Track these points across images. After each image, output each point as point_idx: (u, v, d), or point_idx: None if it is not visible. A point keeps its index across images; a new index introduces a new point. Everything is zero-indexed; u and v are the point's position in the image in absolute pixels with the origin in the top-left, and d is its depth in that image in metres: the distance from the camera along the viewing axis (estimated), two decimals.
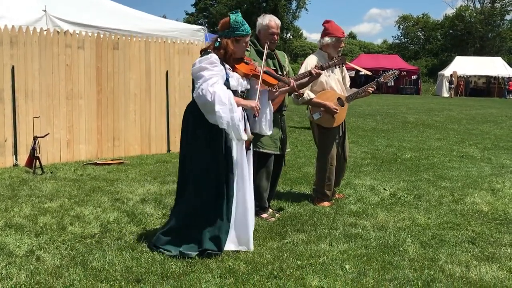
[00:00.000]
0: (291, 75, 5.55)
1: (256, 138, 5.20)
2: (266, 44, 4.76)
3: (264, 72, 4.39)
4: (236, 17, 4.18)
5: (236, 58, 4.28)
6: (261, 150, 5.22)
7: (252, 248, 4.30)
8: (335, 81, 5.94)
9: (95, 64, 8.69)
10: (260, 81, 4.27)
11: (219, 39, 4.17)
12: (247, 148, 4.35)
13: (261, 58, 5.24)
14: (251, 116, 4.35)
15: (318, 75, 5.31)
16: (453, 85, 41.53)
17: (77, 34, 8.52)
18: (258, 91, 4.25)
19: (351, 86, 6.33)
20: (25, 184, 6.68)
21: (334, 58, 5.63)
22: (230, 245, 4.26)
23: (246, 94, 4.37)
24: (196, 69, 4.07)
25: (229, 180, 4.20)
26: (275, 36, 5.28)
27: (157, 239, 4.28)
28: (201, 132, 4.16)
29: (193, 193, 4.23)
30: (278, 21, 5.35)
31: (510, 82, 41.87)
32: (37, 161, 7.37)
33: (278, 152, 5.33)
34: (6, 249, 4.22)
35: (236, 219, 4.30)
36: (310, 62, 5.73)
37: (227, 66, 4.19)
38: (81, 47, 8.50)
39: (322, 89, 5.84)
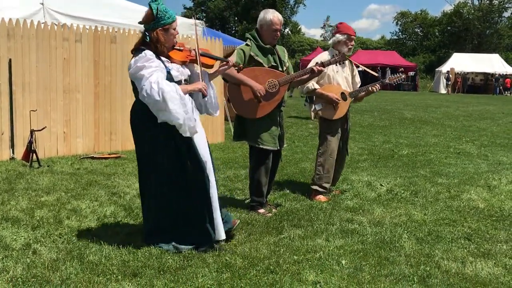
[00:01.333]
0: (291, 70, 5.56)
1: (255, 135, 5.23)
2: (195, 27, 4.70)
3: (200, 54, 4.25)
4: (158, 5, 3.98)
5: (169, 48, 4.14)
6: (260, 146, 5.23)
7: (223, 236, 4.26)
8: (342, 78, 6.05)
9: (92, 58, 8.67)
10: (199, 64, 4.17)
11: (147, 33, 4.01)
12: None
13: (263, 53, 5.28)
14: (199, 98, 4.28)
15: (320, 72, 5.35)
16: (450, 82, 41.58)
17: (75, 27, 8.49)
18: (200, 74, 4.16)
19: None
20: (21, 177, 6.67)
21: (335, 55, 5.66)
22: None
23: (189, 82, 4.24)
24: (134, 70, 3.91)
25: (202, 175, 4.12)
26: (278, 33, 5.30)
27: (147, 237, 4.26)
28: (153, 131, 4.05)
29: (161, 191, 4.18)
30: (281, 17, 5.35)
31: (506, 79, 41.92)
32: (34, 154, 7.36)
33: (277, 148, 5.36)
34: (2, 243, 4.22)
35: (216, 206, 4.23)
36: (322, 57, 5.82)
37: (163, 59, 4.05)
38: (78, 40, 8.48)
39: (328, 83, 5.92)
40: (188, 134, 3.97)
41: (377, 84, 6.09)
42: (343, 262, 4.00)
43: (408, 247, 4.39)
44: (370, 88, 6.08)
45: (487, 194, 6.46)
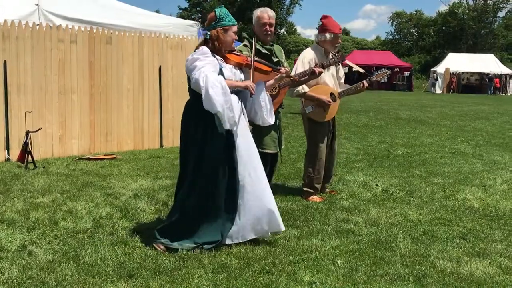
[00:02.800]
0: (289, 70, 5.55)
1: (257, 139, 5.20)
2: (254, 40, 4.73)
3: (256, 60, 4.43)
4: (221, 9, 4.29)
5: (227, 50, 4.34)
6: (261, 150, 5.21)
7: (283, 228, 4.37)
8: (329, 76, 5.97)
9: (88, 59, 8.66)
10: (252, 69, 4.30)
11: (208, 32, 4.25)
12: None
13: (261, 55, 5.24)
14: (248, 98, 4.38)
15: (320, 73, 5.34)
16: (437, 81, 41.93)
17: (70, 28, 8.48)
18: (251, 76, 4.29)
19: (345, 82, 6.35)
20: (17, 179, 6.66)
21: (334, 56, 5.66)
22: (249, 234, 4.31)
23: None
24: (189, 62, 4.14)
25: (233, 171, 4.24)
26: (267, 27, 5.23)
27: (162, 233, 4.27)
28: (199, 130, 4.21)
29: (194, 190, 4.25)
30: (270, 12, 5.28)
31: (496, 79, 42.07)
32: (29, 156, 7.35)
33: (277, 151, 5.36)
34: None
35: (250, 207, 4.28)
36: (307, 56, 5.78)
37: (219, 57, 4.24)
38: (74, 41, 8.47)
39: (316, 83, 5.87)
40: (227, 126, 4.08)
41: (364, 82, 6.04)
42: (339, 262, 4.01)
43: (404, 247, 4.40)
44: (358, 88, 6.05)
45: (482, 193, 6.48)
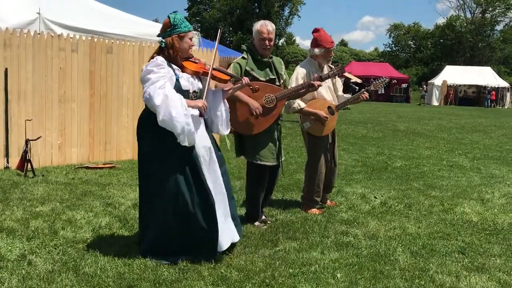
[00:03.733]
0: (288, 83, 5.56)
1: (254, 151, 5.21)
2: (219, 30, 4.64)
3: (214, 68, 4.30)
4: (175, 15, 4.14)
5: (184, 58, 4.21)
6: (259, 162, 5.21)
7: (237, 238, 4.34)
8: (326, 89, 5.97)
9: (88, 68, 8.68)
10: (209, 78, 4.19)
11: (163, 40, 4.11)
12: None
13: (258, 67, 5.23)
14: (211, 115, 4.33)
15: (319, 86, 5.34)
16: (426, 94, 42.44)
17: (71, 37, 8.51)
18: (206, 89, 4.18)
19: (344, 92, 6.36)
20: (16, 187, 6.66)
21: (333, 68, 5.67)
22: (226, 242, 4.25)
23: (199, 94, 4.27)
24: (143, 74, 4.00)
25: (199, 183, 4.12)
26: (267, 42, 5.16)
27: (144, 251, 4.24)
28: (156, 143, 4.09)
29: (162, 203, 4.15)
30: (270, 26, 5.20)
31: (492, 92, 42.26)
32: (29, 164, 7.35)
33: (276, 163, 5.33)
34: None
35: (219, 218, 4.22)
36: (301, 72, 5.78)
37: (175, 67, 4.12)
38: (74, 50, 8.50)
39: (312, 98, 5.88)
40: (186, 144, 3.97)
41: (362, 95, 6.04)
42: (338, 275, 4.02)
43: (403, 261, 4.42)
44: (357, 99, 6.06)
45: (480, 207, 6.51)
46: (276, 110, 5.20)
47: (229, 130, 4.53)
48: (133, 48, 9.24)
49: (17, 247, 4.39)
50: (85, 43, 8.65)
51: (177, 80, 4.07)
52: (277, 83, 5.30)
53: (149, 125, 4.07)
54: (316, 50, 5.84)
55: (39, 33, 8.23)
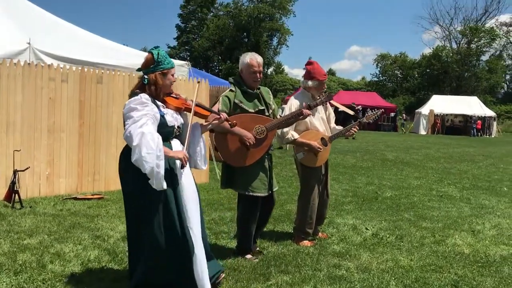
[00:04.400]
0: (277, 112, 5.56)
1: (245, 182, 5.17)
2: (197, 84, 4.66)
3: (196, 105, 4.30)
4: (159, 51, 4.11)
5: (165, 93, 4.18)
6: (251, 194, 5.17)
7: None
8: (319, 120, 6.00)
9: (78, 98, 8.66)
10: (192, 114, 4.18)
11: (146, 76, 4.06)
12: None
13: (247, 99, 5.24)
14: (190, 150, 4.29)
15: (308, 115, 5.35)
16: (405, 122, 43.10)
17: (61, 67, 8.50)
18: (190, 125, 4.18)
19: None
20: (3, 219, 6.55)
21: (321, 95, 5.70)
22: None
23: (182, 129, 4.25)
24: (126, 110, 3.93)
25: (180, 222, 4.06)
26: (257, 75, 5.19)
27: (134, 286, 4.15)
28: (140, 178, 3.96)
29: (146, 236, 4.08)
30: (259, 59, 5.23)
31: (478, 121, 42.74)
32: (16, 195, 7.26)
33: (267, 194, 5.29)
34: None
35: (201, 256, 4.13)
36: (294, 103, 5.80)
37: (159, 103, 4.09)
38: (64, 80, 8.48)
39: (306, 128, 5.90)
40: (154, 186, 3.87)
41: (355, 127, 6.10)
42: None
43: None
44: (349, 131, 6.11)
45: (472, 239, 6.49)
46: (267, 141, 5.19)
47: (206, 166, 4.48)
48: (123, 78, 9.24)
49: (4, 281, 4.30)
50: (75, 73, 8.65)
51: (162, 116, 4.03)
52: (266, 113, 5.30)
53: (130, 163, 3.95)
54: (310, 83, 5.89)
55: (29, 63, 8.21)
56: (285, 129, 5.70)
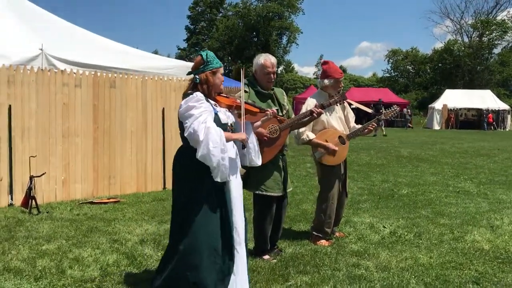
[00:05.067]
0: (291, 113, 5.56)
1: (259, 182, 5.18)
2: (242, 70, 4.70)
3: (245, 102, 4.38)
4: (207, 52, 4.25)
5: (216, 92, 4.28)
6: (264, 193, 5.18)
7: None
8: (337, 120, 6.00)
9: (92, 102, 8.70)
10: (243, 111, 4.25)
11: (197, 76, 4.18)
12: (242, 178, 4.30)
13: (260, 99, 5.26)
14: (240, 148, 4.35)
15: (319, 114, 5.33)
16: (410, 118, 42.85)
17: (74, 73, 8.54)
18: (243, 122, 4.25)
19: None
20: (21, 225, 6.60)
21: (334, 96, 5.69)
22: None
23: (234, 127, 4.31)
24: (184, 110, 4.03)
25: (226, 221, 4.10)
26: (271, 75, 5.25)
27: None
28: (191, 181, 4.07)
29: (188, 237, 4.07)
30: (273, 60, 5.30)
31: (489, 114, 42.37)
32: (33, 201, 7.30)
33: (281, 194, 5.30)
34: None
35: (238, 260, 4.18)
36: (310, 103, 5.80)
37: (212, 102, 4.18)
38: (78, 85, 8.53)
39: (323, 128, 5.89)
40: (218, 179, 3.97)
41: (372, 124, 6.10)
42: None
43: None
44: (367, 128, 6.08)
45: (491, 235, 6.43)
46: (280, 140, 5.20)
47: (261, 161, 4.52)
48: (136, 81, 9.27)
49: None
50: (88, 78, 8.69)
51: (216, 114, 4.12)
52: (280, 114, 5.31)
53: (188, 161, 4.05)
54: (326, 81, 5.91)
55: (42, 69, 8.26)
56: (301, 129, 5.69)
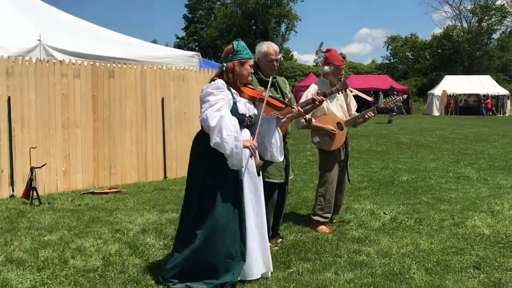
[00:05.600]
0: (293, 102, 5.57)
1: (261, 168, 5.19)
2: (271, 77, 4.77)
3: (270, 96, 4.42)
4: (239, 42, 4.31)
5: (242, 83, 4.33)
6: (266, 180, 5.19)
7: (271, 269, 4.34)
8: (337, 107, 6.03)
9: (91, 93, 8.69)
10: (264, 105, 4.28)
11: (225, 64, 4.25)
12: (258, 174, 4.31)
13: (263, 86, 5.27)
14: (265, 142, 4.39)
15: (321, 102, 5.35)
16: (403, 106, 42.66)
17: (73, 63, 8.53)
18: (261, 116, 4.26)
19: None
20: (23, 216, 6.61)
21: (336, 84, 5.70)
22: (254, 272, 4.21)
23: (254, 120, 4.34)
24: (203, 94, 4.12)
25: (239, 207, 4.16)
26: (274, 63, 5.28)
27: (166, 272, 4.20)
28: (211, 162, 4.14)
29: (201, 221, 4.16)
30: (276, 47, 5.34)
31: (487, 100, 42.29)
32: (34, 192, 7.32)
33: (283, 181, 5.33)
34: (8, 286, 4.16)
35: (253, 245, 4.22)
36: (311, 90, 5.85)
37: (233, 91, 4.23)
38: (77, 76, 8.51)
39: (323, 114, 5.93)
40: (234, 167, 4.04)
41: (370, 112, 6.10)
42: None
43: (418, 279, 4.36)
44: (366, 116, 6.10)
45: (491, 220, 6.44)
46: (282, 128, 5.19)
47: (283, 157, 4.57)
48: (134, 71, 9.25)
49: (28, 278, 4.34)
50: (87, 68, 8.67)
51: (235, 103, 4.16)
52: None
53: (204, 146, 4.11)
54: (326, 68, 5.94)
55: (40, 60, 8.24)
56: None
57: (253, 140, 4.17)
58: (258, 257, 4.22)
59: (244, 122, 4.22)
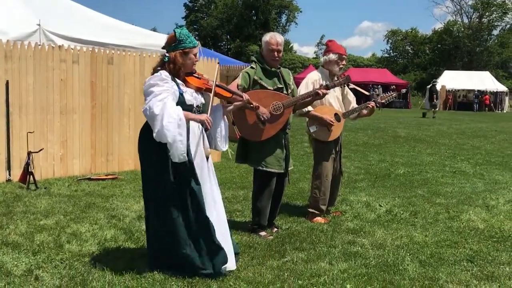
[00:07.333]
0: (296, 93, 5.59)
1: (260, 157, 5.22)
2: (218, 65, 4.69)
3: (217, 85, 4.31)
4: (181, 30, 4.14)
5: (187, 73, 4.20)
6: (264, 169, 5.22)
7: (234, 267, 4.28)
8: (334, 98, 6.04)
9: (89, 79, 8.67)
10: (212, 94, 4.19)
11: (167, 54, 4.09)
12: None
13: (266, 76, 5.29)
14: (211, 132, 4.33)
15: (324, 95, 5.39)
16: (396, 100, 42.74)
17: (72, 49, 8.50)
18: (210, 105, 4.19)
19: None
20: (19, 200, 6.62)
21: (340, 77, 5.72)
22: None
23: (202, 109, 4.26)
24: (146, 87, 3.99)
25: (197, 200, 4.10)
26: (275, 53, 5.29)
27: (152, 261, 4.23)
28: (159, 153, 4.03)
29: (161, 214, 4.13)
30: (279, 38, 5.34)
31: (485, 96, 42.31)
32: (31, 176, 7.32)
33: (282, 171, 5.35)
34: (3, 269, 4.17)
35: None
36: (312, 77, 5.89)
37: (179, 81, 4.11)
38: (76, 61, 8.48)
39: (320, 104, 5.93)
40: (176, 159, 3.93)
41: (369, 105, 6.13)
42: (348, 286, 3.99)
43: (412, 270, 4.38)
44: (363, 111, 6.14)
45: (486, 214, 6.47)
46: (283, 118, 5.23)
47: (227, 147, 4.53)
48: (133, 58, 9.23)
49: (23, 261, 4.35)
50: (86, 54, 8.64)
51: (181, 94, 4.06)
52: (285, 92, 5.36)
53: (151, 139, 3.99)
54: (331, 55, 5.95)
55: (39, 45, 8.21)
56: None
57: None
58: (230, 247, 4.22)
59: (192, 112, 4.11)
